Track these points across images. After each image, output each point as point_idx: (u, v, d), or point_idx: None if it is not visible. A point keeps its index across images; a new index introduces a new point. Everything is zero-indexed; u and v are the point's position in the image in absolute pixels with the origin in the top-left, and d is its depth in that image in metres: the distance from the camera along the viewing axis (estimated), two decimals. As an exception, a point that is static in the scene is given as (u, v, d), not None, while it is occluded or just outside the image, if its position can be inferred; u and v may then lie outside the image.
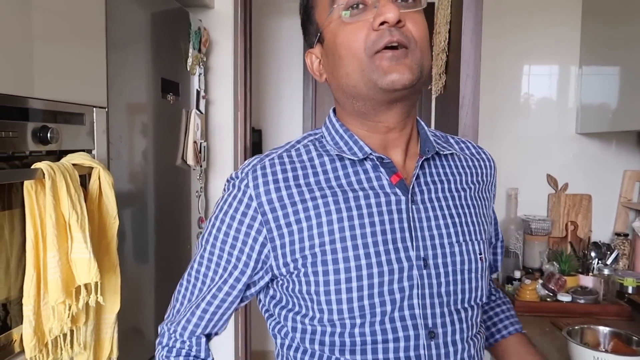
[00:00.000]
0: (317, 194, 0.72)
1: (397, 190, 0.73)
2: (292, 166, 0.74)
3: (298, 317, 0.74)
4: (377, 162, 0.74)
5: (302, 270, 0.70)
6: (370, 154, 0.73)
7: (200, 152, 1.84)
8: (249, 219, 0.72)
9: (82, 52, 1.15)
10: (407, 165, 0.76)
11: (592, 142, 2.02)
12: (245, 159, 2.10)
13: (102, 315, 1.15)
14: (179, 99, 1.72)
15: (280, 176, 0.73)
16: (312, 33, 0.77)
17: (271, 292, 0.78)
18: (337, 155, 0.75)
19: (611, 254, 1.85)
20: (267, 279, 0.75)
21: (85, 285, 1.04)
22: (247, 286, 0.76)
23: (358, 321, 0.69)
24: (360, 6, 0.69)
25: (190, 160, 1.77)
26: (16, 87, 0.96)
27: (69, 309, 1.01)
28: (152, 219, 1.53)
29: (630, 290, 1.70)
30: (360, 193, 0.72)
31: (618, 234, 1.94)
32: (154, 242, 1.55)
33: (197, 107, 1.85)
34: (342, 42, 0.70)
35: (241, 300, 0.77)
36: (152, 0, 1.53)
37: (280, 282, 0.75)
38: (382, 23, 0.67)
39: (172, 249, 1.71)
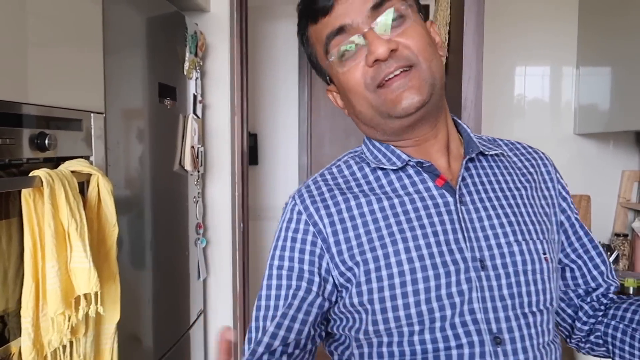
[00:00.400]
0: (362, 200, 0.72)
1: (444, 192, 0.71)
2: (334, 181, 0.76)
3: (352, 332, 0.71)
4: (419, 168, 0.73)
5: (357, 279, 0.68)
6: (409, 160, 0.73)
7: (197, 157, 1.82)
8: (302, 233, 0.72)
9: (79, 57, 1.13)
10: (452, 168, 0.75)
11: (590, 142, 2.02)
12: (242, 164, 2.08)
13: (101, 325, 1.13)
14: (176, 104, 1.69)
15: (324, 189, 0.74)
16: (322, 73, 0.78)
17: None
18: (376, 166, 0.75)
19: (611, 254, 1.85)
20: (335, 292, 0.72)
21: (85, 296, 1.01)
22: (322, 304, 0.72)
23: (417, 328, 0.66)
24: (352, 47, 0.69)
25: (188, 165, 1.75)
26: (12, 93, 0.94)
27: (69, 320, 0.98)
28: (149, 225, 1.51)
29: (631, 291, 1.70)
30: (406, 198, 0.71)
31: (617, 235, 1.94)
32: (152, 249, 1.53)
33: (194, 112, 1.83)
34: (345, 86, 0.72)
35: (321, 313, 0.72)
36: (149, 4, 1.51)
37: (338, 301, 0.72)
38: (376, 60, 0.67)
39: (170, 255, 1.68)
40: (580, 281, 0.82)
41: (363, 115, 0.73)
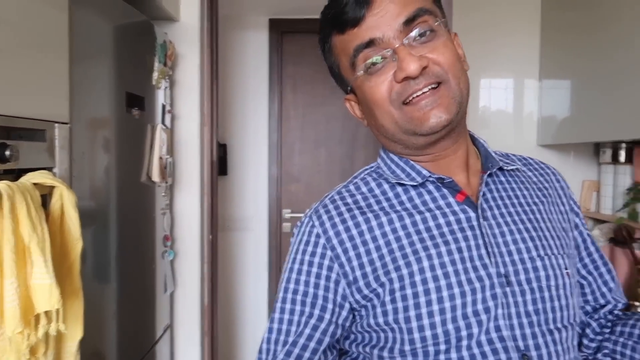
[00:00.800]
0: (384, 219, 0.70)
1: (466, 208, 0.70)
2: (353, 199, 0.74)
3: (375, 351, 0.69)
4: (439, 184, 0.72)
5: (381, 299, 0.67)
6: (430, 176, 0.72)
7: (166, 167, 1.79)
8: (319, 257, 0.70)
9: (44, 65, 1.09)
10: (471, 183, 0.74)
11: (552, 153, 2.08)
12: (211, 175, 2.05)
13: (63, 343, 1.08)
14: (144, 114, 1.66)
15: (343, 209, 0.72)
16: (343, 83, 0.76)
17: (345, 333, 0.73)
18: (396, 182, 0.73)
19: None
20: (350, 317, 0.71)
21: (46, 313, 0.97)
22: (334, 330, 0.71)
23: (443, 347, 0.64)
24: (380, 60, 0.67)
25: (156, 176, 1.72)
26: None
27: (28, 339, 0.94)
28: (115, 238, 1.47)
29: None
30: (428, 214, 0.70)
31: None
32: (117, 262, 1.48)
33: (163, 122, 1.80)
34: (369, 99, 0.70)
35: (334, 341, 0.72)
36: (117, 12, 1.48)
37: (357, 320, 0.71)
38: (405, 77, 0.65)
39: (136, 269, 1.64)
40: (589, 297, 0.82)
41: (385, 129, 0.71)
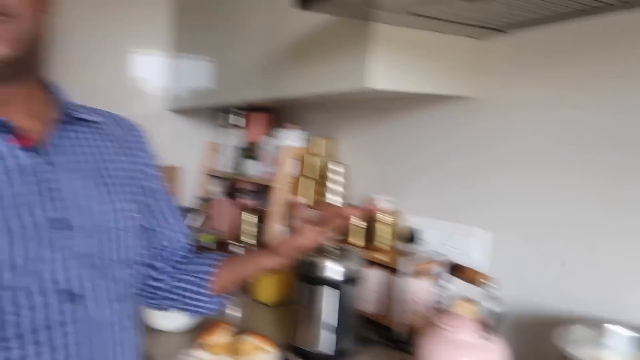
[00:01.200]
0: None
1: (31, 154, 0.68)
2: None
3: None
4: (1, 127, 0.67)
5: None
6: None
7: None
8: None
9: None
10: (43, 130, 0.72)
11: (181, 118, 2.33)
12: None
13: None
14: None
15: None
16: None
17: None
18: None
19: (198, 217, 2.12)
20: None
21: None
22: None
23: None
24: None
25: None
26: None
27: None
28: None
29: (211, 246, 1.97)
30: None
31: (203, 199, 2.23)
32: None
33: None
34: None
35: None
36: None
37: None
38: None
39: None
40: (166, 243, 0.91)
41: None
